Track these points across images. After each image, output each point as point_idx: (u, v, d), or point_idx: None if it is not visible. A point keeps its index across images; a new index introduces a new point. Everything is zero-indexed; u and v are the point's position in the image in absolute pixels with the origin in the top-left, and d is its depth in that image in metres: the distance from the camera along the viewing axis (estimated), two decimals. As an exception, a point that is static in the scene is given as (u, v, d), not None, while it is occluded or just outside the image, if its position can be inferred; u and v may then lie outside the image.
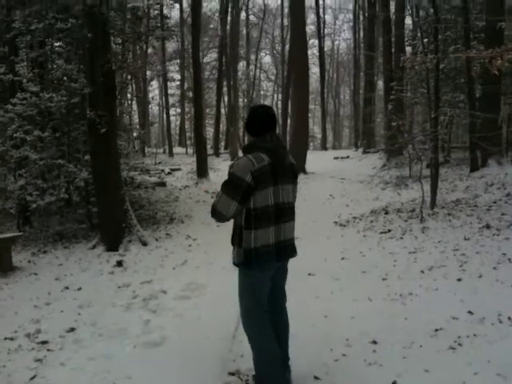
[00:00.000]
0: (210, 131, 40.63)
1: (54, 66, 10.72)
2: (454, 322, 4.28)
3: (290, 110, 26.47)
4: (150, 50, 27.59)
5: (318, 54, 34.07)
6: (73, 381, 3.50)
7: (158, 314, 4.88)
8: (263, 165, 2.93)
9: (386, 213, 9.51)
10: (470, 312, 4.42)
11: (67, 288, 6.26)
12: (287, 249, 3.16)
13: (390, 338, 4.01)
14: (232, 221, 3.12)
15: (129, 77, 16.99)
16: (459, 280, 5.39)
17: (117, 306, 5.29)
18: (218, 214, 3.00)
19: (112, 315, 4.96)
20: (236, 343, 4.07)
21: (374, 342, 3.96)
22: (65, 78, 10.04)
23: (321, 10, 34.39)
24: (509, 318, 4.18)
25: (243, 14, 37.21)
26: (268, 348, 3.09)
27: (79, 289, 6.20)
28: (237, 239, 3.07)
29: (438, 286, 5.29)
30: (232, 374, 3.52)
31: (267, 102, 48.83)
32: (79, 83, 9.17)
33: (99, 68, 8.12)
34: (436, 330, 4.11)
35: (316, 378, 3.40)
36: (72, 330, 4.68)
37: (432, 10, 10.30)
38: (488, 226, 7.22)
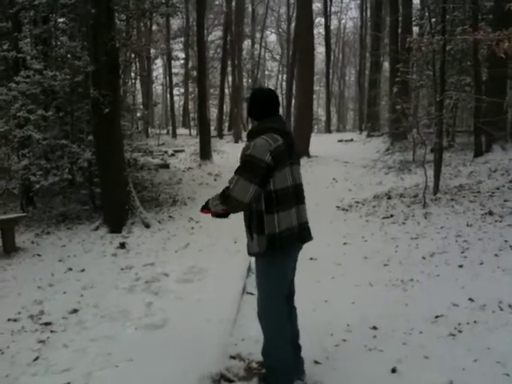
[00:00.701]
0: (213, 112, 40.55)
1: (58, 43, 10.65)
2: (454, 308, 4.30)
3: (294, 91, 26.29)
4: (154, 28, 27.39)
5: (324, 32, 33.67)
6: (75, 362, 3.52)
7: (160, 297, 4.91)
8: (279, 144, 2.83)
9: (389, 198, 9.50)
10: (470, 299, 4.44)
11: (70, 269, 6.29)
12: (307, 231, 3.06)
13: (390, 324, 4.04)
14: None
15: (133, 55, 16.88)
16: (460, 266, 5.40)
17: (119, 288, 5.32)
18: (232, 201, 2.82)
19: (114, 297, 4.99)
20: (237, 327, 4.09)
21: (375, 328, 3.99)
22: (68, 55, 9.97)
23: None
24: (509, 306, 4.21)
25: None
26: (285, 340, 3.01)
27: (82, 270, 6.23)
28: (257, 227, 2.88)
29: (439, 272, 5.31)
30: (233, 357, 3.54)
31: (272, 83, 48.65)
32: (83, 61, 9.11)
33: (103, 46, 8.04)
34: (436, 317, 4.13)
35: (316, 362, 3.42)
36: (75, 311, 4.71)
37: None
38: (491, 213, 7.22)
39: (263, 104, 3.04)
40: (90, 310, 4.72)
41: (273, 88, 43.37)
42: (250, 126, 36.24)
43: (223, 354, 3.57)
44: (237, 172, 2.82)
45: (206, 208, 3.11)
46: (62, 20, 11.07)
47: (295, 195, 2.94)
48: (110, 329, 4.15)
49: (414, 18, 18.44)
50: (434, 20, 13.67)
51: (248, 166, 2.79)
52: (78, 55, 9.52)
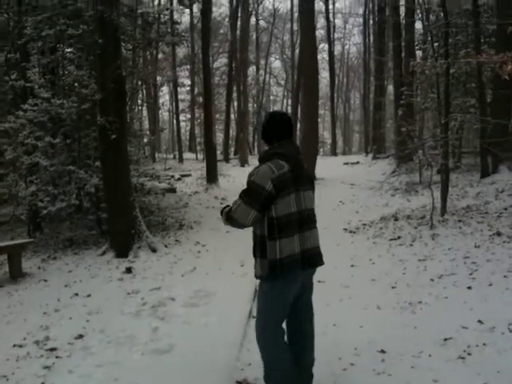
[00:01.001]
0: (219, 137, 40.80)
1: (66, 72, 10.81)
2: (463, 331, 4.24)
3: (299, 115, 26.46)
4: (160, 56, 27.78)
5: (327, 58, 34.04)
6: (81, 388, 3.50)
7: (166, 321, 4.88)
8: (283, 172, 2.88)
9: (396, 219, 9.46)
10: (479, 321, 4.38)
11: (76, 294, 6.28)
12: (314, 257, 3.06)
13: (398, 348, 3.99)
14: (250, 229, 3.07)
15: (139, 82, 17.09)
16: (469, 288, 5.34)
17: (125, 313, 5.30)
18: (234, 222, 2.99)
19: (121, 322, 4.97)
20: (243, 351, 4.06)
21: (383, 352, 3.94)
22: (76, 84, 10.12)
23: (330, 15, 34.37)
24: (519, 328, 4.14)
25: (253, 19, 37.34)
26: (283, 363, 3.01)
27: (88, 295, 6.21)
28: (259, 251, 2.96)
29: (447, 294, 5.25)
30: (239, 382, 3.51)
31: (277, 107, 48.96)
32: (90, 89, 9.24)
33: (110, 74, 8.17)
34: (445, 340, 4.08)
35: (324, 387, 3.38)
36: (80, 336, 4.69)
37: (442, 14, 10.24)
38: (499, 234, 7.16)
39: (276, 128, 3.09)
40: (95, 335, 4.70)
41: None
42: (255, 151, 36.43)
43: (229, 379, 3.55)
44: (240, 196, 2.94)
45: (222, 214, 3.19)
46: (69, 50, 11.26)
47: (299, 222, 2.95)
48: (116, 354, 4.13)
49: (416, 43, 18.61)
50: (436, 44, 13.82)
51: (249, 192, 2.90)
52: (85, 83, 9.65)
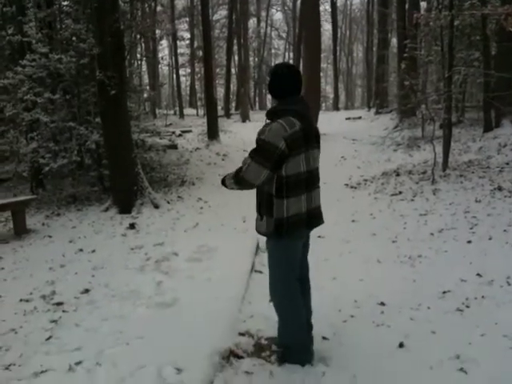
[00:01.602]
0: (220, 92, 40.35)
1: (63, 26, 10.61)
2: (462, 284, 4.32)
3: (301, 69, 26.09)
4: (158, 8, 27.15)
5: (330, 10, 33.24)
6: (87, 341, 3.58)
7: (170, 276, 4.95)
8: (295, 130, 2.77)
9: (398, 175, 9.47)
10: (478, 274, 4.46)
11: (81, 250, 6.37)
12: (318, 216, 3.08)
13: (398, 300, 4.07)
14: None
15: (138, 36, 16.76)
16: (469, 242, 5.41)
17: (129, 267, 5.38)
18: (243, 183, 2.90)
19: (125, 277, 5.05)
20: (245, 304, 4.14)
21: (382, 304, 4.02)
22: (73, 38, 9.95)
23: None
24: (517, 281, 4.21)
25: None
26: (298, 318, 3.07)
27: (93, 251, 6.30)
28: (266, 209, 2.91)
29: (447, 248, 5.32)
30: (242, 334, 3.59)
31: (278, 61, 48.12)
32: (88, 43, 9.09)
33: (107, 28, 8.01)
34: (444, 292, 4.15)
35: (324, 338, 3.46)
36: (86, 291, 4.78)
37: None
38: (500, 188, 7.19)
39: (284, 81, 2.94)
40: (101, 289, 4.78)
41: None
42: (257, 106, 35.95)
43: (232, 330, 3.62)
44: (250, 154, 2.84)
45: (223, 183, 3.14)
46: (66, 3, 11.00)
47: (307, 181, 2.92)
48: (121, 308, 4.21)
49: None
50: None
51: (261, 151, 2.79)
52: (82, 38, 9.48)
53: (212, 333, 3.53)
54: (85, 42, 9.26)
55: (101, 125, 8.87)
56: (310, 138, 2.91)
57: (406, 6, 18.21)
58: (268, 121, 2.95)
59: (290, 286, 3.04)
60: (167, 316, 3.96)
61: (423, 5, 19.77)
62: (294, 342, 3.11)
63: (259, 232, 3.06)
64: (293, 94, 2.94)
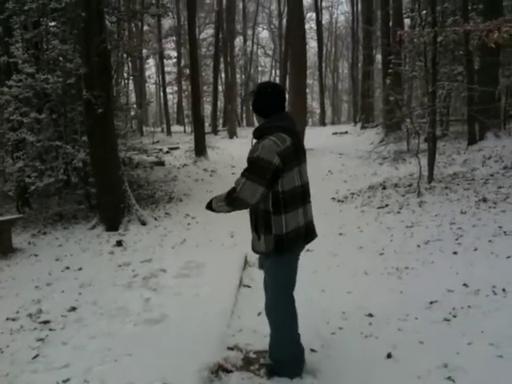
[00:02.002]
0: (207, 109, 40.45)
1: (50, 47, 10.63)
2: (449, 294, 4.35)
3: (287, 86, 26.29)
4: (145, 28, 27.34)
5: (315, 27, 33.62)
6: (75, 359, 3.55)
7: (158, 293, 4.93)
8: (287, 145, 2.79)
9: (384, 188, 9.55)
10: (465, 284, 4.49)
11: (68, 268, 6.33)
12: (312, 230, 3.10)
13: (385, 311, 4.09)
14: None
15: (125, 55, 16.85)
16: (455, 253, 5.45)
17: (117, 284, 5.35)
18: (238, 203, 2.83)
19: (113, 294, 5.02)
20: (234, 319, 4.13)
21: (370, 315, 4.04)
22: (60, 58, 9.97)
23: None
24: (503, 290, 4.25)
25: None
26: (293, 332, 3.10)
27: (80, 269, 6.26)
28: (264, 227, 2.89)
29: (433, 259, 5.36)
30: (231, 348, 3.58)
31: (265, 78, 48.53)
32: (74, 63, 9.13)
33: (94, 48, 8.06)
34: (431, 303, 4.18)
35: (312, 350, 3.46)
36: (73, 309, 4.73)
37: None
38: (485, 200, 7.26)
39: (269, 99, 2.96)
40: (88, 307, 4.74)
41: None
42: (244, 122, 36.12)
43: (221, 345, 3.61)
44: (244, 174, 2.81)
45: (209, 207, 3.10)
46: (52, 24, 11.04)
47: (302, 195, 2.94)
48: (109, 325, 4.18)
49: (404, 11, 18.45)
50: (424, 12, 13.69)
51: (256, 168, 2.76)
52: (69, 58, 9.52)
53: (201, 348, 3.51)
54: (71, 62, 9.30)
55: (87, 143, 8.86)
56: (300, 153, 2.95)
57: (390, 24, 18.51)
58: (255, 140, 2.97)
59: (289, 301, 3.07)
60: (156, 332, 3.94)
61: (407, 22, 20.12)
62: (286, 355, 3.12)
63: (257, 252, 3.04)
64: (278, 112, 2.96)
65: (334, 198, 9.66)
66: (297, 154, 2.88)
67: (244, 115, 42.07)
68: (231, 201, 2.86)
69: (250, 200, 2.78)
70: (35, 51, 10.39)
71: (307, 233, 3.00)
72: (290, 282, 3.05)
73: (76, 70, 9.03)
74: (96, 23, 8.11)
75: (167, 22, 35.86)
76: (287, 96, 21.97)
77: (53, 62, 10.23)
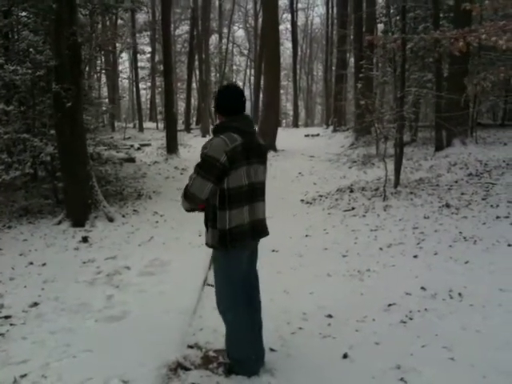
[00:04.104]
0: (181, 106, 40.29)
1: (20, 37, 10.46)
2: (407, 297, 4.46)
3: (262, 86, 26.36)
4: (119, 22, 27.07)
5: (291, 28, 33.82)
6: (33, 354, 3.53)
7: (121, 290, 4.93)
8: (236, 145, 2.92)
9: (351, 191, 9.69)
10: (423, 288, 4.62)
11: (31, 263, 6.24)
12: (262, 228, 3.21)
13: (345, 313, 4.17)
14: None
15: (97, 49, 16.68)
16: (415, 257, 5.59)
17: (80, 281, 5.31)
18: (191, 197, 2.97)
19: (75, 290, 4.99)
20: (196, 318, 4.17)
21: (330, 316, 4.12)
22: (31, 49, 9.82)
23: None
24: (459, 294, 4.39)
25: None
26: (244, 330, 3.15)
27: (43, 264, 6.18)
28: (211, 221, 3.04)
29: (394, 262, 5.49)
30: (191, 346, 3.62)
31: (240, 77, 48.69)
32: (45, 55, 8.99)
33: (64, 40, 7.96)
34: (389, 305, 4.28)
35: (272, 349, 3.52)
36: (35, 304, 4.69)
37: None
38: (448, 205, 7.45)
39: (230, 101, 3.11)
40: (50, 303, 4.70)
41: (240, 83, 43.63)
42: (217, 121, 36.25)
43: (181, 343, 3.64)
44: (195, 170, 2.96)
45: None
46: (24, 14, 10.86)
47: (249, 194, 3.05)
48: (70, 321, 4.17)
49: (377, 16, 18.70)
50: (398, 17, 13.94)
51: (204, 165, 2.92)
52: (40, 49, 9.38)
53: (161, 346, 3.54)
54: (42, 53, 9.16)
55: (56, 137, 8.75)
56: (251, 154, 3.04)
57: (363, 28, 18.74)
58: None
59: (235, 297, 3.11)
60: (116, 329, 3.95)
61: (381, 27, 20.38)
62: (240, 353, 3.18)
63: (207, 244, 3.12)
64: (238, 112, 3.11)
65: (302, 200, 9.76)
66: (247, 154, 3.00)
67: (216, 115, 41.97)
68: (186, 195, 3.00)
69: (200, 195, 2.92)
70: (5, 41, 10.21)
71: (254, 230, 3.09)
72: (233, 278, 3.10)
73: (46, 63, 8.90)
74: (67, 15, 7.99)
75: (142, 17, 35.62)
76: (261, 96, 22.02)
77: (22, 53, 10.07)
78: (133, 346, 3.60)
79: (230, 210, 2.97)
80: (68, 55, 8.00)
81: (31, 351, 3.61)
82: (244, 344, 3.15)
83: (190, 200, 3.00)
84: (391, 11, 15.19)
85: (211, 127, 28.12)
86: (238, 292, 3.12)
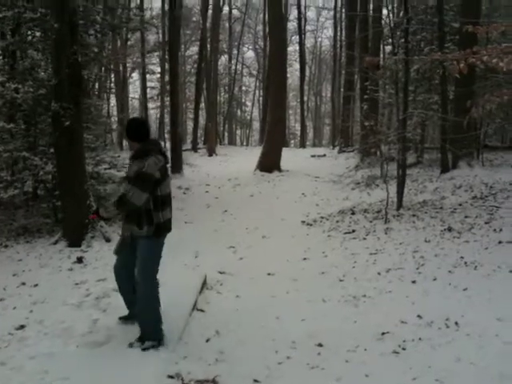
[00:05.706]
0: (190, 125, 40.40)
1: (24, 56, 10.50)
2: (401, 325, 4.30)
3: (269, 106, 26.35)
4: (130, 42, 27.36)
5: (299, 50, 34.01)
6: (9, 380, 3.42)
7: (107, 313, 4.79)
8: (162, 163, 3.92)
9: (353, 213, 9.53)
10: (419, 316, 4.45)
11: (24, 284, 6.14)
12: (171, 224, 4.15)
13: (336, 341, 4.02)
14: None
15: (103, 69, 16.80)
16: (413, 282, 5.43)
17: (68, 303, 5.18)
18: (129, 205, 3.81)
19: (61, 313, 4.85)
20: (181, 344, 4.03)
21: (320, 345, 3.97)
22: (35, 68, 9.85)
23: (302, 7, 34.38)
24: (456, 323, 4.22)
25: (226, 8, 37.03)
26: (157, 301, 4.06)
27: (35, 285, 6.07)
28: (147, 220, 3.89)
29: (391, 288, 5.32)
30: (171, 376, 3.47)
31: (249, 98, 48.94)
32: (47, 74, 9.00)
33: (65, 59, 7.96)
34: (383, 334, 4.13)
35: (255, 381, 3.38)
36: (22, 327, 4.57)
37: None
38: (450, 229, 7.28)
39: (141, 129, 4.05)
40: (35, 326, 4.58)
41: (249, 104, 44.14)
42: (226, 140, 36.10)
43: (163, 371, 3.51)
44: (135, 184, 3.81)
45: (95, 212, 4.37)
46: (29, 33, 10.94)
47: (169, 199, 4.09)
48: (51, 346, 4.04)
49: (384, 39, 18.69)
50: (403, 40, 13.90)
51: (143, 180, 3.81)
52: (43, 68, 9.40)
53: (140, 374, 3.41)
54: (45, 72, 9.18)
55: (54, 155, 8.70)
56: (167, 169, 4.06)
57: (369, 50, 18.72)
58: (135, 159, 3.98)
59: (155, 272, 4.09)
60: (97, 355, 3.82)
61: (388, 49, 20.38)
62: (155, 319, 4.02)
63: (139, 236, 3.95)
64: (147, 138, 4.05)
65: (303, 221, 9.59)
66: (166, 170, 4.02)
67: (226, 133, 42.13)
68: (123, 202, 3.83)
69: (138, 203, 3.80)
70: (9, 59, 10.27)
71: (170, 225, 4.12)
72: (158, 259, 4.08)
73: (48, 81, 8.90)
74: (68, 35, 8.01)
75: (152, 38, 35.95)
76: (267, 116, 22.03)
77: (28, 72, 10.11)
78: (112, 373, 3.47)
79: (163, 211, 3.97)
80: (68, 74, 7.98)
81: (8, 377, 3.51)
82: (157, 310, 4.02)
83: (127, 207, 3.86)
84: (392, 34, 15.19)
85: (218, 146, 28.29)
86: (157, 268, 4.08)
